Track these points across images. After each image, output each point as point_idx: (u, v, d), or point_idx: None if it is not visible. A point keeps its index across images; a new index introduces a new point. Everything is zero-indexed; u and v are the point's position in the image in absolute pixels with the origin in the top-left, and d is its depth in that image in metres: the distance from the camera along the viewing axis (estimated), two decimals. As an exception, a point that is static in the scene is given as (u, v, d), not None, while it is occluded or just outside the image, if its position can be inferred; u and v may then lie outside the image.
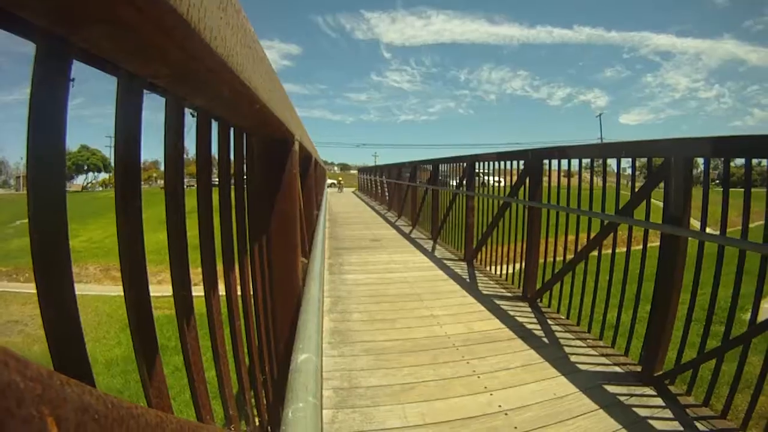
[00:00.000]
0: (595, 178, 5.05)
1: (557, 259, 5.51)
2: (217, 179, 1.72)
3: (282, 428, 0.78)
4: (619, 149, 4.45)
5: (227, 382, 1.57)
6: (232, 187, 1.88)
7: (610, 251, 4.43)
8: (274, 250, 2.24)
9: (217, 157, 1.70)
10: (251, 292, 2.13)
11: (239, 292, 1.91)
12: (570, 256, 5.16)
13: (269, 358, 2.26)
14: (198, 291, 1.27)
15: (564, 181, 5.35)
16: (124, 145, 0.95)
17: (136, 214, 1.01)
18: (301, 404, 0.83)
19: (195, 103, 1.29)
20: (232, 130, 1.77)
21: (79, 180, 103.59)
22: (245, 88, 1.04)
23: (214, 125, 1.58)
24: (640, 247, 4.02)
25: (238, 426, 1.68)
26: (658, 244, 3.84)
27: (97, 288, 23.63)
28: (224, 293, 1.76)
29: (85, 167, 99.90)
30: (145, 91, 1.00)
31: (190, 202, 1.31)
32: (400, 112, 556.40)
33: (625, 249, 4.29)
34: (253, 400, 1.96)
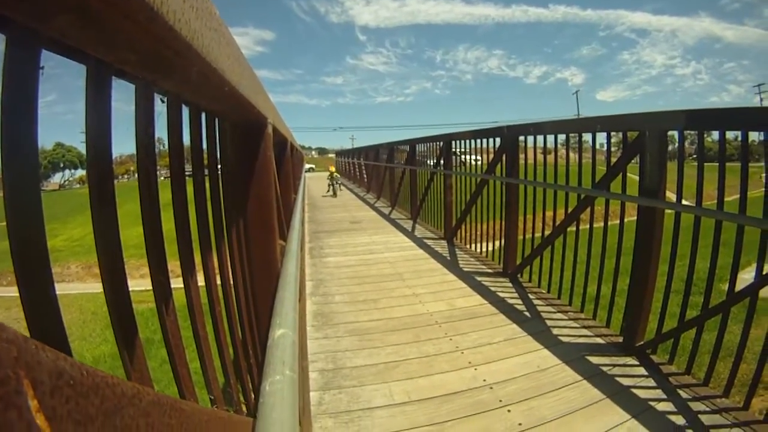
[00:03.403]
0: (573, 155, 5.08)
1: (536, 235, 5.55)
2: (190, 165, 1.68)
3: (260, 400, 0.80)
4: (594, 124, 4.47)
5: (209, 364, 1.57)
6: (207, 172, 1.85)
7: (588, 227, 4.48)
8: (252, 233, 2.22)
9: (190, 142, 1.67)
10: (230, 278, 2.09)
11: (218, 279, 1.88)
12: (549, 232, 5.20)
13: (252, 342, 2.26)
14: (179, 281, 1.26)
15: (542, 157, 5.38)
16: (94, 134, 0.94)
17: (110, 204, 1.00)
18: (278, 377, 0.84)
19: (164, 87, 1.27)
20: (204, 115, 1.74)
21: (56, 178, 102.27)
22: (212, 71, 1.02)
23: (186, 111, 1.56)
24: (618, 221, 4.07)
25: (222, 407, 1.69)
26: (635, 218, 3.88)
27: (81, 286, 23.44)
28: (204, 280, 1.76)
29: (62, 165, 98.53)
30: (114, 78, 0.99)
31: (167, 193, 1.31)
32: (377, 95, 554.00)
33: (603, 224, 4.32)
34: (239, 385, 1.96)
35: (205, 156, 1.82)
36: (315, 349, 3.88)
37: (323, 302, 5.07)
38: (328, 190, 19.45)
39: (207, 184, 1.75)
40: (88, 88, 0.93)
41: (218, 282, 1.84)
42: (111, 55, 0.89)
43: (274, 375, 0.86)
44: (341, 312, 4.77)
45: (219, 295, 1.81)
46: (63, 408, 0.34)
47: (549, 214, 5.21)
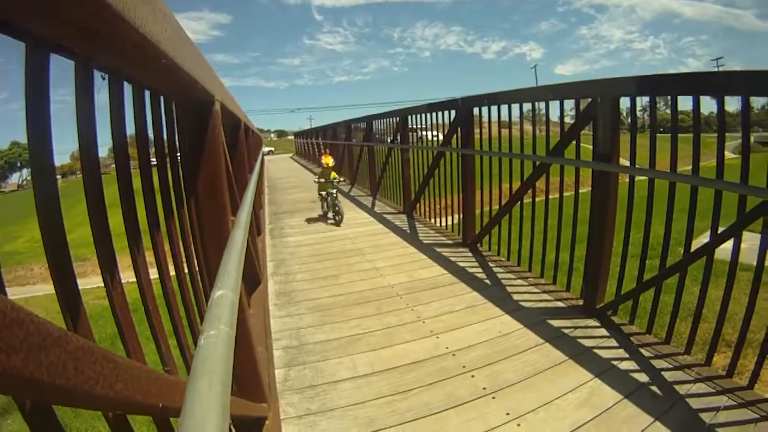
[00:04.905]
0: (532, 127, 5.05)
1: (494, 207, 5.51)
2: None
3: (195, 356, 0.78)
4: (546, 92, 4.43)
5: (161, 333, 1.57)
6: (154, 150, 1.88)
7: (545, 195, 4.46)
8: (204, 210, 2.17)
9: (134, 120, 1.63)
10: (183, 253, 2.09)
11: (169, 255, 1.89)
12: (512, 207, 5.16)
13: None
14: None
15: (503, 132, 5.35)
16: (34, 114, 0.97)
17: (53, 195, 1.03)
18: (213, 332, 0.83)
19: (103, 63, 1.27)
20: (149, 94, 1.71)
21: (14, 179, 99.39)
22: (148, 43, 1.01)
23: (130, 91, 1.55)
24: (582, 190, 4.05)
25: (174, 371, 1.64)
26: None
27: (46, 287, 22.77)
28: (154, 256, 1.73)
29: (18, 164, 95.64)
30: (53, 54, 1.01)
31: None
32: (334, 74, 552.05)
33: (564, 195, 4.30)
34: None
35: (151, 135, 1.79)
36: (278, 327, 3.82)
37: (285, 281, 4.99)
38: (323, 208, 8.60)
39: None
40: (27, 65, 0.95)
41: (170, 258, 1.85)
42: (47, 29, 0.91)
43: (209, 330, 0.84)
44: (303, 290, 4.70)
45: (169, 271, 1.81)
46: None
47: (509, 186, 5.18)
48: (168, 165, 2.04)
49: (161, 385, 0.94)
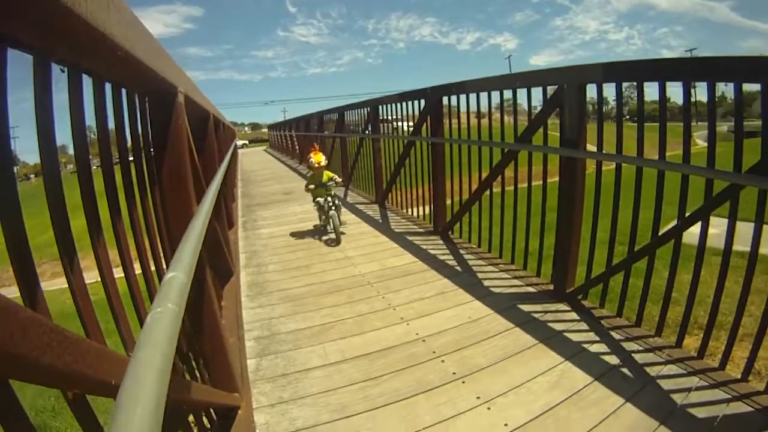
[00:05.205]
0: (508, 117, 5.05)
1: (464, 197, 5.52)
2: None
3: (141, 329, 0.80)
4: (514, 80, 4.44)
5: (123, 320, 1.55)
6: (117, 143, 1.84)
7: (521, 186, 4.48)
8: (169, 202, 2.18)
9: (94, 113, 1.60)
10: (146, 242, 2.05)
11: (133, 244, 1.84)
12: (482, 194, 5.17)
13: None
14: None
15: (472, 121, 5.35)
16: None
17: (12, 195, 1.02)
18: (159, 309, 0.84)
19: (60, 57, 1.25)
20: (109, 86, 1.67)
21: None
22: (100, 34, 1.03)
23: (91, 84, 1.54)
24: (548, 181, 4.07)
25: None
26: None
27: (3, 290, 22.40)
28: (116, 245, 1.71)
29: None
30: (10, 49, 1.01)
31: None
32: (308, 66, 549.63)
33: (538, 184, 4.31)
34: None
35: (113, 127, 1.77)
36: (250, 318, 3.80)
37: (257, 273, 4.95)
38: (321, 220, 6.74)
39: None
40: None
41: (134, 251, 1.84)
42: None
43: (156, 308, 0.85)
44: (275, 280, 4.67)
45: (131, 258, 1.77)
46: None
47: (478, 176, 5.19)
48: (132, 157, 2.01)
49: (112, 362, 0.94)
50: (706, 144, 3.06)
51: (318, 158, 6.48)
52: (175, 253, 1.15)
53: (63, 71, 1.30)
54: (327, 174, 6.48)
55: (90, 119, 1.48)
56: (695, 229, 2.90)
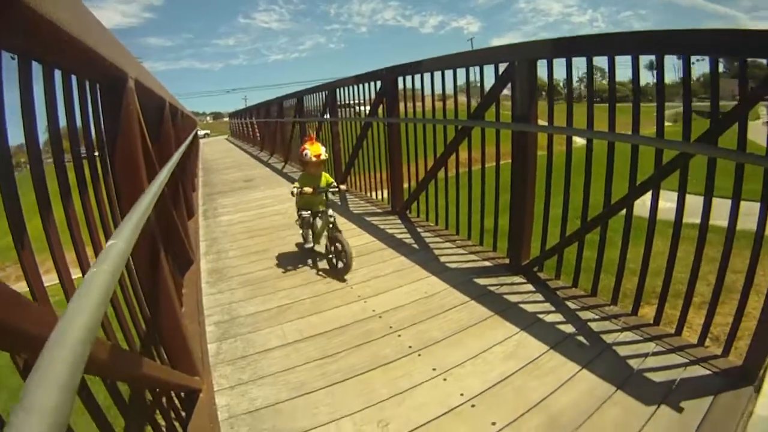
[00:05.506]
0: (454, 93, 5.06)
1: (421, 178, 5.53)
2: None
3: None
4: (467, 58, 4.45)
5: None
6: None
7: (476, 168, 4.49)
8: (121, 188, 2.19)
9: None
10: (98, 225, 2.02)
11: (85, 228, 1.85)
12: (438, 172, 5.20)
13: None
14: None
15: (436, 104, 5.37)
16: None
17: None
18: (94, 269, 0.85)
19: (10, 43, 1.26)
20: (59, 73, 1.67)
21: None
22: (42, 19, 1.04)
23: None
24: (503, 162, 4.09)
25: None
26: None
27: None
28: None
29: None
30: None
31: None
32: (270, 53, 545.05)
33: (488, 167, 4.34)
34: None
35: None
36: (210, 303, 3.77)
37: (217, 259, 4.90)
38: (306, 241, 4.50)
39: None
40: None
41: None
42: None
43: (92, 269, 0.86)
44: (235, 266, 4.63)
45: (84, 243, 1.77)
46: None
47: (434, 156, 5.20)
48: (84, 144, 2.03)
49: (35, 313, 0.97)
50: (669, 123, 3.11)
51: (316, 149, 4.32)
52: (118, 225, 1.16)
53: (13, 59, 1.29)
54: (326, 177, 4.54)
55: (42, 107, 1.50)
56: (648, 200, 2.95)
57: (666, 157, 2.81)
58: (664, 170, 2.83)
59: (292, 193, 4.22)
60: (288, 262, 4.57)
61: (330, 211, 4.26)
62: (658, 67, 2.85)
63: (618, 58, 3.00)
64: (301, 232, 4.64)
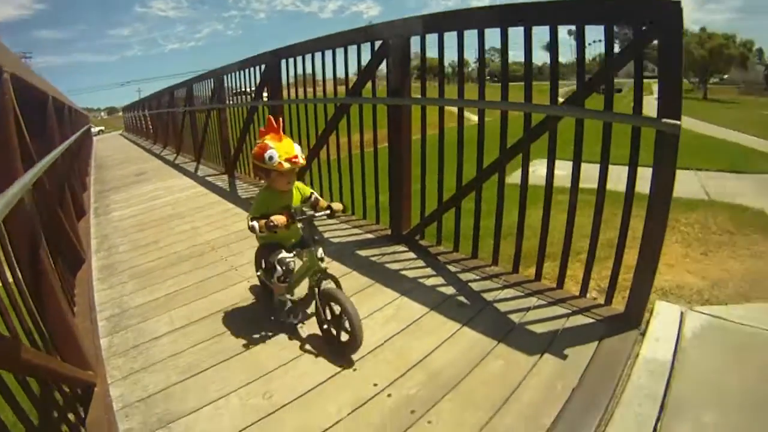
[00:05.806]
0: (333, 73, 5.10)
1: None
2: None
3: None
4: (342, 38, 4.51)
5: None
6: None
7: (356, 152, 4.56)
8: None
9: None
10: None
11: None
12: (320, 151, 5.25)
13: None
14: None
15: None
16: None
17: None
18: None
19: None
20: None
21: None
22: None
23: None
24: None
25: None
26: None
27: None
28: None
29: None
30: None
31: None
32: (167, 42, 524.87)
33: (383, 147, 4.38)
34: None
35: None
36: (102, 299, 3.67)
37: (108, 255, 4.73)
38: (282, 316, 2.91)
39: None
40: None
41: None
42: None
43: None
44: (125, 260, 4.50)
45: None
46: None
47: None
48: None
49: None
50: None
51: (287, 149, 2.67)
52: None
53: None
54: (302, 188, 2.95)
55: None
56: (542, 170, 3.07)
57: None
58: (533, 133, 3.02)
59: (252, 228, 2.59)
60: (176, 251, 4.52)
61: (320, 251, 2.68)
62: (502, 38, 3.07)
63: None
64: (271, 294, 3.01)
